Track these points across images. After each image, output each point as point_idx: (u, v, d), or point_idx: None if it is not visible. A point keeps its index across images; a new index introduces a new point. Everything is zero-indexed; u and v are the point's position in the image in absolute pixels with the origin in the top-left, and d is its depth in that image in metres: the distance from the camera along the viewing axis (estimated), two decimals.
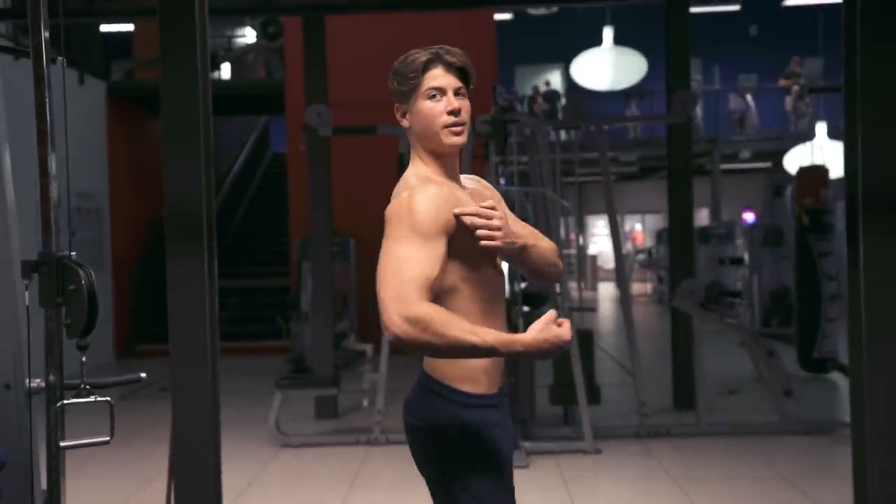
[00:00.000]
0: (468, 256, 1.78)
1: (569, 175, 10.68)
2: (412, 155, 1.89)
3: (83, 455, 5.11)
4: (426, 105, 1.79)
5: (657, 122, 12.93)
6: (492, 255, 1.82)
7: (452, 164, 1.86)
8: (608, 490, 4.55)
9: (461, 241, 1.75)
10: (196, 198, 3.28)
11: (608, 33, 12.59)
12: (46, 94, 2.27)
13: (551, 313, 1.65)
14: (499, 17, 13.99)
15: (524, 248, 1.86)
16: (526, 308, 9.69)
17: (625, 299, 5.59)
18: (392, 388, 5.72)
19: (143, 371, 6.34)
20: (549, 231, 5.30)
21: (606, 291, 18.07)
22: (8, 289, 2.47)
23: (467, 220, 1.73)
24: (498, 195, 2.00)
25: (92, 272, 2.21)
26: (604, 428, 5.48)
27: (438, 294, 1.73)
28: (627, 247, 22.12)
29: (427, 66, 1.80)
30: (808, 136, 13.65)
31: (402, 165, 5.28)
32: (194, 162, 3.27)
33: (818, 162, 8.66)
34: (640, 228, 23.34)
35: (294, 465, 5.09)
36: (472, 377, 1.80)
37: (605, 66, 12.28)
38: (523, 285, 9.71)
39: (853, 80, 2.98)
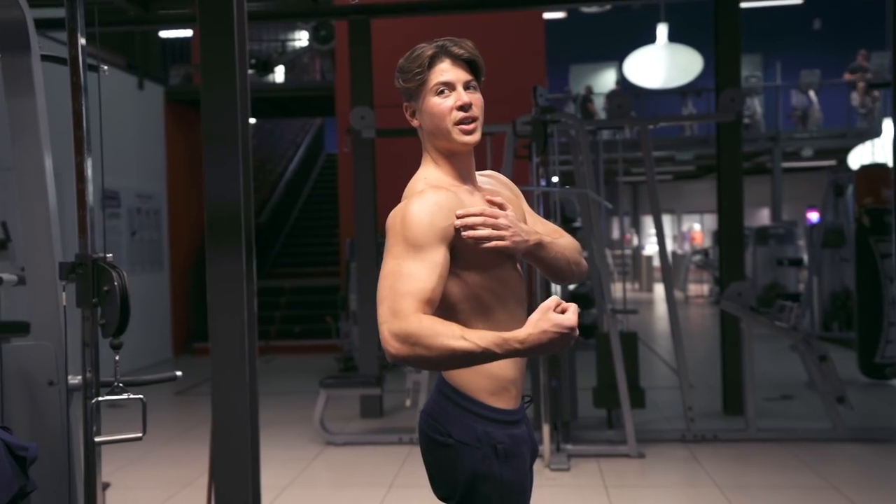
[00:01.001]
0: (483, 262, 1.67)
1: (613, 175, 10.54)
2: (424, 155, 1.79)
3: (136, 450, 5.30)
4: (434, 102, 1.69)
5: (706, 122, 12.65)
6: (512, 257, 1.74)
7: (466, 162, 1.76)
8: (649, 495, 4.48)
9: (471, 247, 1.64)
10: (235, 201, 3.35)
11: (662, 30, 12.39)
12: (83, 103, 2.34)
13: (551, 300, 1.51)
14: (552, 16, 13.91)
15: (540, 246, 1.75)
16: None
17: (670, 301, 5.49)
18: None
19: (198, 368, 6.48)
20: (592, 233, 5.25)
21: (662, 293, 17.78)
22: (51, 289, 2.56)
23: (460, 222, 1.63)
24: (517, 191, 1.92)
25: (125, 274, 2.28)
26: (649, 432, 5.40)
27: (456, 305, 1.67)
28: (685, 247, 21.74)
29: (433, 61, 1.69)
30: (875, 133, 13.22)
31: None
32: (233, 166, 3.35)
33: (881, 160, 8.37)
34: (698, 228, 22.90)
35: (336, 463, 5.16)
36: (500, 390, 1.70)
37: (659, 64, 12.08)
38: (571, 287, 9.67)
39: None
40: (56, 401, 2.56)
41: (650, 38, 12.52)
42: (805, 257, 11.58)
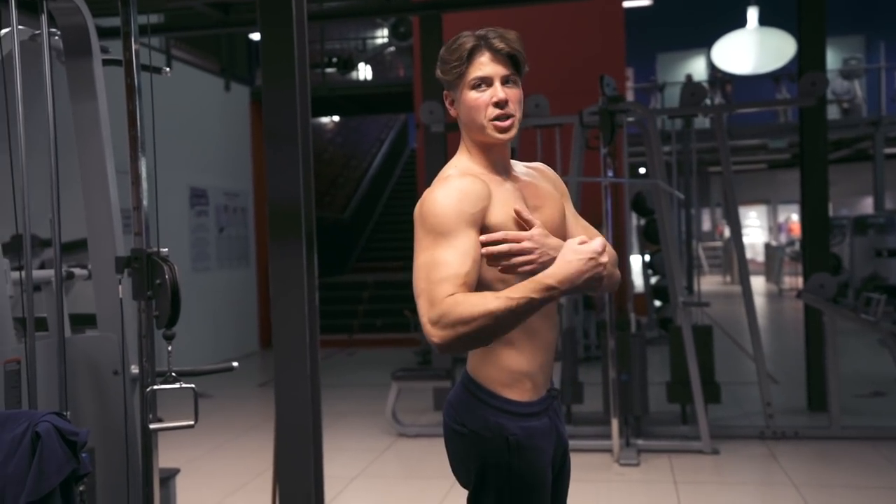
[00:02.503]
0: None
1: (684, 166, 10.23)
2: (461, 144, 1.79)
3: (218, 438, 5.50)
4: (471, 96, 1.67)
5: (786, 108, 12.09)
6: None
7: (501, 154, 1.74)
8: (721, 491, 4.34)
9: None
10: (295, 198, 3.43)
11: (752, 14, 11.95)
12: (137, 104, 2.44)
13: (576, 238, 1.57)
14: (637, 3, 13.60)
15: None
16: (658, 302, 9.43)
17: (746, 293, 5.29)
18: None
19: None
20: (664, 225, 5.11)
21: (756, 286, 17.16)
22: (112, 283, 2.69)
23: (484, 250, 1.59)
24: (562, 187, 1.87)
25: (176, 267, 2.38)
26: (725, 428, 5.24)
27: (491, 287, 1.63)
28: (781, 238, 20.90)
29: (472, 54, 1.66)
30: None
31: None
32: (293, 164, 3.43)
33: None
34: (796, 219, 21.97)
35: (406, 454, 5.22)
36: (516, 382, 1.69)
37: (749, 49, 11.67)
38: (654, 279, 9.46)
39: None
40: (120, 390, 2.70)
41: (740, 23, 12.10)
42: None
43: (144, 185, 2.46)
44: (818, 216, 5.81)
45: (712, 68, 15.31)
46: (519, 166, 1.82)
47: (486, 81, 1.67)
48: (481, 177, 1.69)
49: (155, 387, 2.39)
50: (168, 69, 3.20)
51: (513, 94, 1.68)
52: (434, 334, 1.49)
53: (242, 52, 10.96)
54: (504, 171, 1.74)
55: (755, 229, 22.24)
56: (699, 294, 5.85)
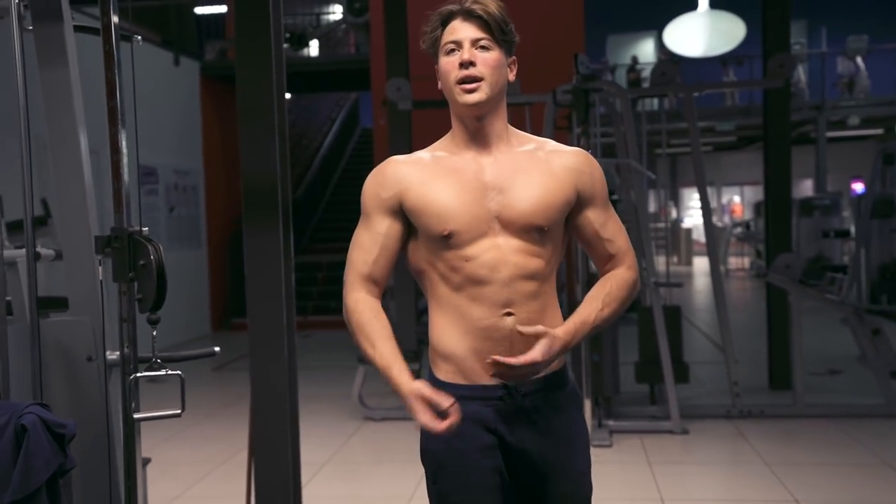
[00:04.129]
0: (427, 238, 1.64)
1: (656, 147, 10.34)
2: None
3: (175, 426, 5.33)
4: (443, 62, 1.63)
5: (754, 89, 12.31)
6: (476, 236, 1.62)
7: (484, 127, 1.64)
8: (694, 471, 4.38)
9: (415, 220, 1.65)
10: (271, 175, 3.30)
11: None
12: (116, 72, 2.28)
13: (446, 403, 1.49)
14: None
15: (578, 338, 1.63)
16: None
17: (715, 274, 5.34)
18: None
19: (235, 344, 6.45)
20: (635, 204, 5.11)
21: (702, 266, 17.51)
22: (87, 264, 2.53)
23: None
24: (597, 177, 1.71)
25: (160, 247, 2.23)
26: (692, 407, 5.29)
27: (415, 275, 1.73)
28: (725, 220, 21.35)
29: (447, 20, 1.64)
30: None
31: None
32: (269, 139, 3.29)
33: None
34: (738, 200, 22.48)
35: (376, 438, 5.14)
36: (440, 360, 1.68)
37: (700, 32, 11.79)
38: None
39: None
40: (95, 377, 2.54)
41: (691, 6, 12.20)
42: (851, 228, 11.27)
43: (125, 160, 2.31)
44: (780, 197, 5.89)
45: (661, 50, 15.47)
46: (527, 142, 1.71)
47: (457, 45, 1.62)
48: (428, 159, 1.69)
49: (139, 374, 2.26)
50: (139, 37, 3.02)
51: (485, 57, 1.61)
52: (344, 310, 1.69)
53: (191, 26, 10.60)
54: (483, 144, 1.66)
55: (699, 211, 22.68)
56: (668, 275, 5.88)
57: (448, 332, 1.65)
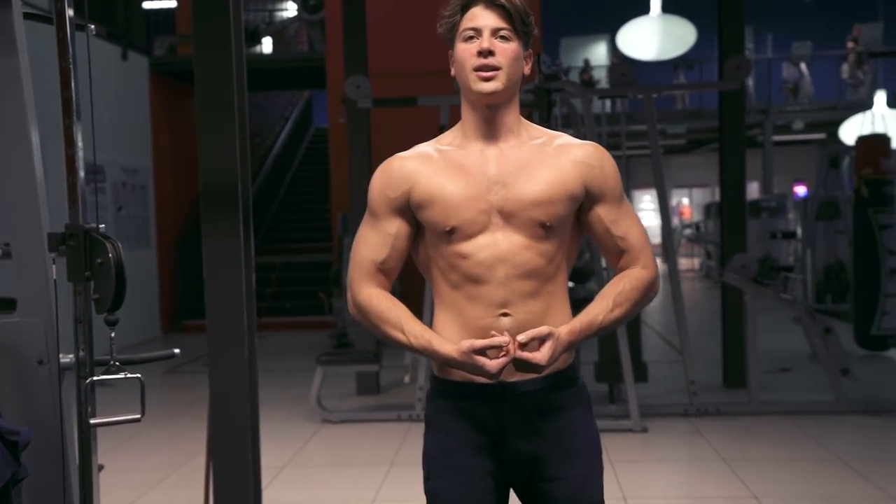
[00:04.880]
0: (431, 233, 1.63)
1: (615, 148, 10.43)
2: None
3: (126, 431, 5.16)
4: (461, 48, 1.59)
5: (707, 92, 12.52)
6: (477, 231, 1.59)
7: (495, 118, 1.60)
8: (655, 469, 4.41)
9: (420, 215, 1.63)
10: (231, 172, 3.21)
11: (655, 1, 12.22)
12: (70, 61, 2.18)
13: (499, 339, 1.49)
14: None
15: (598, 331, 1.60)
16: (571, 284, 9.56)
17: (673, 275, 5.40)
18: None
19: (187, 346, 6.27)
20: None
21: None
22: (38, 263, 2.42)
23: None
24: (609, 173, 1.65)
25: (119, 245, 2.14)
26: (651, 406, 5.33)
27: (421, 271, 1.72)
28: (675, 221, 21.71)
29: (467, 6, 1.59)
30: (866, 105, 13.15)
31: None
32: (229, 136, 3.20)
33: (873, 132, 8.30)
34: (687, 203, 22.87)
35: (335, 441, 5.05)
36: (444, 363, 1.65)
37: (652, 36, 11.91)
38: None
39: None
40: (46, 381, 2.43)
41: (643, 10, 12.35)
42: (798, 230, 11.54)
43: (80, 153, 2.21)
44: (735, 198, 5.98)
45: (613, 53, 15.64)
46: (538, 136, 1.66)
47: (477, 32, 1.58)
48: (434, 154, 1.65)
49: (96, 377, 2.16)
50: (93, 26, 2.90)
51: (504, 47, 1.57)
52: (351, 309, 1.68)
53: (140, 21, 10.34)
54: (492, 136, 1.63)
55: (649, 213, 23.02)
56: None
57: (447, 329, 1.62)
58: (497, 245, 1.58)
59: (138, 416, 2.18)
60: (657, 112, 14.81)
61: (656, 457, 4.59)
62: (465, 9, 1.60)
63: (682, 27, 11.92)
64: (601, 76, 15.11)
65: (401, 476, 4.27)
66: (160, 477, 4.39)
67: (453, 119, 5.91)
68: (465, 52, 1.58)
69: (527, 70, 1.64)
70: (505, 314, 1.57)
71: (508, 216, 1.58)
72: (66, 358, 2.36)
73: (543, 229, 1.59)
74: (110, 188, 8.80)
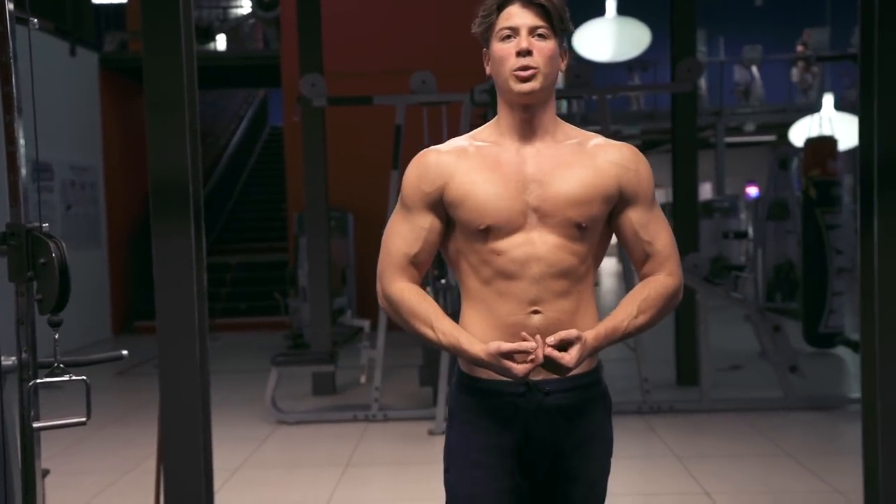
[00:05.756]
0: (463, 230, 1.62)
1: None
2: None
3: (75, 434, 5.05)
4: (498, 47, 1.58)
5: (661, 93, 12.71)
6: (512, 230, 1.58)
7: (532, 119, 1.59)
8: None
9: (453, 212, 1.61)
10: (182, 172, 3.16)
11: (611, 3, 12.36)
12: (11, 56, 2.12)
13: (527, 344, 1.48)
14: None
15: (622, 337, 1.61)
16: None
17: (627, 273, 5.46)
18: (390, 365, 5.63)
19: (140, 347, 6.11)
20: None
21: (608, 266, 17.95)
22: None
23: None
24: (643, 175, 1.65)
25: (63, 245, 2.09)
26: None
27: (450, 264, 1.71)
28: None
29: (503, 4, 1.58)
30: (815, 108, 13.48)
31: (398, 137, 5.10)
32: (179, 135, 3.15)
33: (821, 134, 8.51)
34: None
35: (290, 442, 5.01)
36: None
37: (608, 37, 12.05)
38: None
39: (870, 47, 2.83)
40: None
41: (599, 11, 12.48)
42: (749, 230, 11.78)
43: (22, 150, 2.16)
44: (688, 198, 6.08)
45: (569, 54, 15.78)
46: (574, 136, 1.65)
47: (514, 31, 1.57)
48: (470, 149, 1.62)
49: (39, 380, 2.11)
50: (35, 20, 2.83)
51: (541, 46, 1.56)
52: (381, 303, 1.67)
53: (89, 16, 10.12)
54: (528, 135, 1.61)
55: None
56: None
57: (475, 325, 1.62)
58: (532, 243, 1.58)
59: (83, 418, 2.14)
60: (612, 113, 15.03)
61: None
62: (501, 7, 1.58)
63: (637, 29, 12.06)
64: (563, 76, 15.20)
65: (356, 476, 4.25)
66: (110, 481, 4.31)
67: (409, 118, 5.88)
68: (503, 51, 1.57)
69: (562, 67, 1.64)
70: (536, 311, 1.57)
71: (544, 215, 1.58)
72: (9, 360, 2.30)
73: (578, 229, 1.58)
74: (59, 186, 8.60)
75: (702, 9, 6.90)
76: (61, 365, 2.12)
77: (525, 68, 1.55)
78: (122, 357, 2.55)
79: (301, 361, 5.62)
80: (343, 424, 5.26)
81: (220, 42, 12.34)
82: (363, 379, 5.58)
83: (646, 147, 19.06)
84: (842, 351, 7.30)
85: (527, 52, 1.55)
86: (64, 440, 4.98)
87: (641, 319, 1.61)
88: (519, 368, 1.48)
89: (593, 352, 1.57)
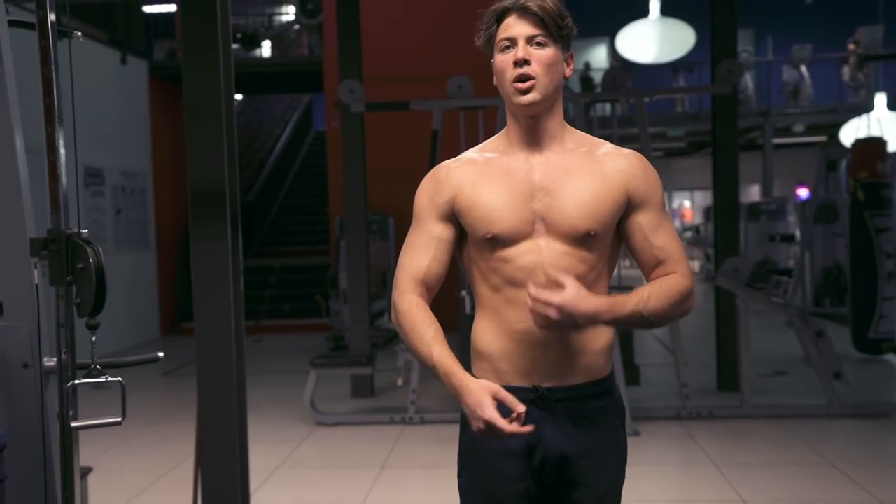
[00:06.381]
0: (472, 238, 1.63)
1: None
2: None
3: (122, 433, 5.19)
4: (498, 59, 1.60)
5: (703, 95, 12.53)
6: (520, 238, 1.59)
7: (538, 126, 1.60)
8: (646, 473, 4.41)
9: (463, 222, 1.64)
10: (219, 177, 3.24)
11: (655, 4, 12.24)
12: (53, 69, 2.20)
13: (521, 407, 1.46)
14: None
15: (629, 316, 1.55)
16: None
17: None
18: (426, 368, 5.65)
19: (186, 348, 6.23)
20: None
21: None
22: (23, 267, 2.44)
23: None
24: (639, 182, 1.63)
25: (100, 250, 2.16)
26: (643, 409, 5.34)
27: (465, 273, 1.72)
28: (676, 224, 21.73)
29: (502, 16, 1.60)
30: (866, 107, 13.15)
31: (435, 142, 5.15)
32: (216, 140, 3.23)
33: (873, 135, 8.30)
34: (688, 205, 22.87)
35: (327, 443, 5.07)
36: (477, 359, 1.67)
37: (651, 39, 11.93)
38: None
39: None
40: (31, 384, 2.45)
41: (643, 13, 12.37)
42: (797, 233, 11.53)
43: (62, 159, 2.23)
44: (728, 201, 5.99)
45: (613, 56, 15.66)
46: (582, 143, 1.65)
47: (512, 42, 1.59)
48: (479, 160, 1.66)
49: (77, 381, 2.18)
50: (79, 33, 2.93)
51: (540, 54, 1.57)
52: (392, 312, 1.68)
53: (139, 25, 10.39)
54: (536, 143, 1.62)
55: None
56: (619, 278, 5.93)
57: (485, 331, 1.64)
58: (539, 251, 1.58)
59: (119, 418, 2.21)
60: (658, 115, 14.86)
61: (647, 461, 4.59)
62: (499, 19, 1.60)
63: (681, 30, 11.93)
64: (601, 79, 15.09)
65: (391, 478, 4.28)
66: (152, 479, 4.41)
67: (446, 123, 5.91)
68: (503, 62, 1.59)
69: (568, 72, 1.64)
70: (526, 312, 1.57)
71: (552, 224, 1.58)
72: (49, 362, 2.39)
73: (587, 237, 1.58)
74: (110, 191, 8.83)
75: (750, 9, 6.80)
76: (98, 367, 2.20)
77: (523, 78, 1.56)
78: (157, 359, 2.62)
79: (338, 364, 5.69)
80: (380, 427, 5.31)
81: (266, 49, 12.55)
82: (400, 381, 5.62)
83: (691, 149, 18.84)
84: (892, 357, 7.11)
85: (524, 62, 1.56)
86: (111, 439, 5.12)
87: (652, 304, 1.56)
88: (492, 417, 1.46)
89: (594, 313, 1.51)
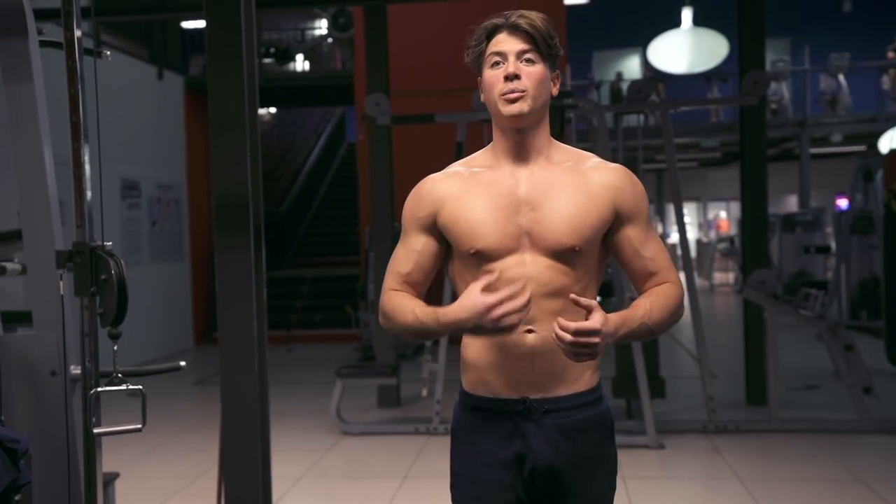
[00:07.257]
0: (457, 252, 1.66)
1: (649, 162, 10.37)
2: None
3: (153, 440, 5.30)
4: (488, 74, 1.62)
5: (729, 106, 12.41)
6: (505, 253, 1.61)
7: (524, 140, 1.62)
8: (669, 486, 4.39)
9: (447, 236, 1.67)
10: (243, 189, 3.31)
11: (687, 14, 12.19)
12: (79, 88, 2.29)
13: (479, 282, 1.51)
14: (575, 1, 13.71)
15: (637, 329, 1.57)
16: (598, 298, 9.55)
17: (690, 289, 5.37)
18: (452, 378, 5.67)
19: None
20: None
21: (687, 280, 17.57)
22: (51, 279, 2.53)
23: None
24: (627, 196, 1.65)
25: (122, 262, 2.24)
26: (669, 422, 5.30)
27: (454, 285, 1.73)
28: (711, 235, 21.46)
29: (492, 33, 1.63)
30: None
31: (459, 154, 5.22)
32: (240, 154, 3.31)
33: None
34: (724, 216, 22.60)
35: (352, 453, 5.12)
36: (465, 370, 1.71)
37: (683, 49, 11.89)
38: None
39: None
40: (58, 391, 2.53)
41: (675, 23, 12.32)
42: (833, 244, 11.34)
43: (87, 174, 2.32)
44: (757, 213, 5.94)
45: (646, 67, 15.59)
46: (568, 157, 1.67)
47: (502, 57, 1.61)
48: (465, 174, 1.68)
49: (100, 389, 2.25)
50: (108, 52, 3.03)
51: (529, 70, 1.60)
52: (380, 320, 1.72)
53: (176, 40, 10.62)
54: (522, 157, 1.64)
55: (687, 227, 22.80)
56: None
57: (473, 343, 1.67)
58: (524, 265, 1.59)
59: (139, 425, 2.27)
60: (691, 125, 14.71)
61: (671, 474, 4.57)
62: (490, 36, 1.64)
63: (714, 40, 11.87)
64: (626, 90, 15.04)
65: (413, 489, 4.31)
66: (179, 486, 4.50)
67: (470, 136, 5.97)
68: (493, 77, 1.61)
69: (554, 91, 1.67)
70: (530, 331, 1.58)
71: (537, 238, 1.60)
72: (75, 370, 2.47)
73: (572, 251, 1.60)
74: (145, 203, 9.03)
75: (786, 17, 6.72)
76: (119, 375, 2.27)
77: (513, 91, 1.58)
78: (179, 368, 2.69)
79: (364, 374, 5.74)
80: (404, 437, 5.35)
81: (301, 63, 12.74)
82: (424, 392, 5.65)
83: (726, 159, 18.63)
84: None
85: (514, 77, 1.58)
86: (141, 445, 5.23)
87: (656, 315, 1.59)
88: (511, 318, 1.48)
89: (614, 333, 1.52)
